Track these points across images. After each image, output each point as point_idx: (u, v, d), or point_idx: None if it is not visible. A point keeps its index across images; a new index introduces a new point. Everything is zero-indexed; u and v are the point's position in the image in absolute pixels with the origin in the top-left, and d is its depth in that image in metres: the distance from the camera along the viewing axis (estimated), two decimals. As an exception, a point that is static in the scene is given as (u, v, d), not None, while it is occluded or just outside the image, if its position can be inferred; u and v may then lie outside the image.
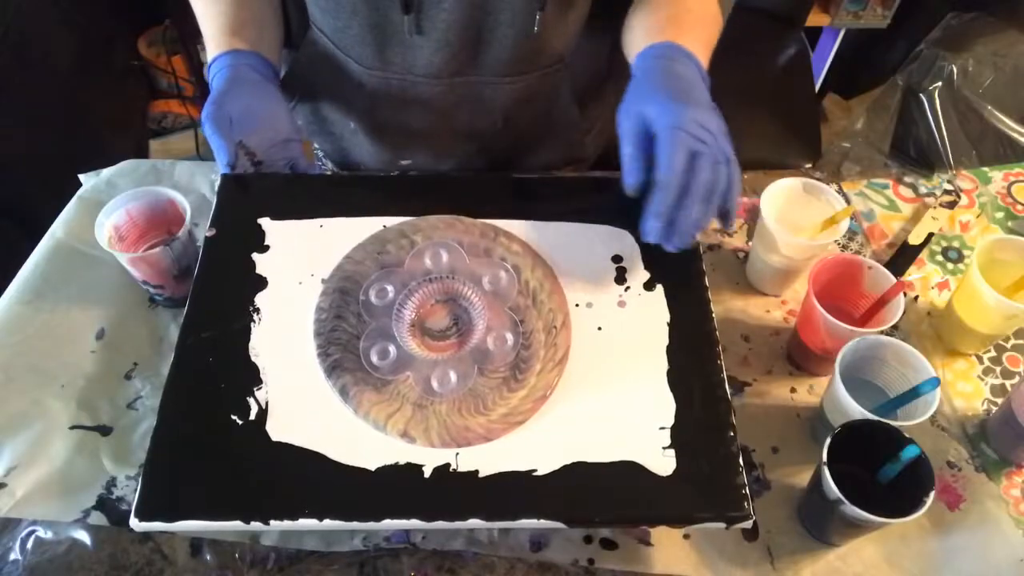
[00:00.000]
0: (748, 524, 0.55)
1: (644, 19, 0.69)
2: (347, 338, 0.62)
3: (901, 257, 0.80)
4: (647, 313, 0.65)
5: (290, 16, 0.82)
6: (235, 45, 0.71)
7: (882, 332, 0.64)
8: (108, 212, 0.70)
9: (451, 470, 0.56)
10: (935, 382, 0.58)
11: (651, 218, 0.58)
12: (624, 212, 0.71)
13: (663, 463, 0.56)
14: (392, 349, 0.62)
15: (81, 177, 0.85)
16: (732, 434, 0.58)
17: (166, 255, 0.69)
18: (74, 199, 0.83)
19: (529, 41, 0.73)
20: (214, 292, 0.65)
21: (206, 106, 0.68)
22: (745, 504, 0.55)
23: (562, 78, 0.81)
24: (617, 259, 0.68)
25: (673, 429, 0.58)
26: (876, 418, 0.57)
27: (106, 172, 0.85)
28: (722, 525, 0.55)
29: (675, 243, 0.59)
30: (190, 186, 0.84)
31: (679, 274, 0.67)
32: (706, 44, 0.68)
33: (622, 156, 0.60)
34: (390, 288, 0.65)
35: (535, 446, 0.57)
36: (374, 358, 0.61)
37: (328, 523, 0.54)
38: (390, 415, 0.58)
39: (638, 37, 0.67)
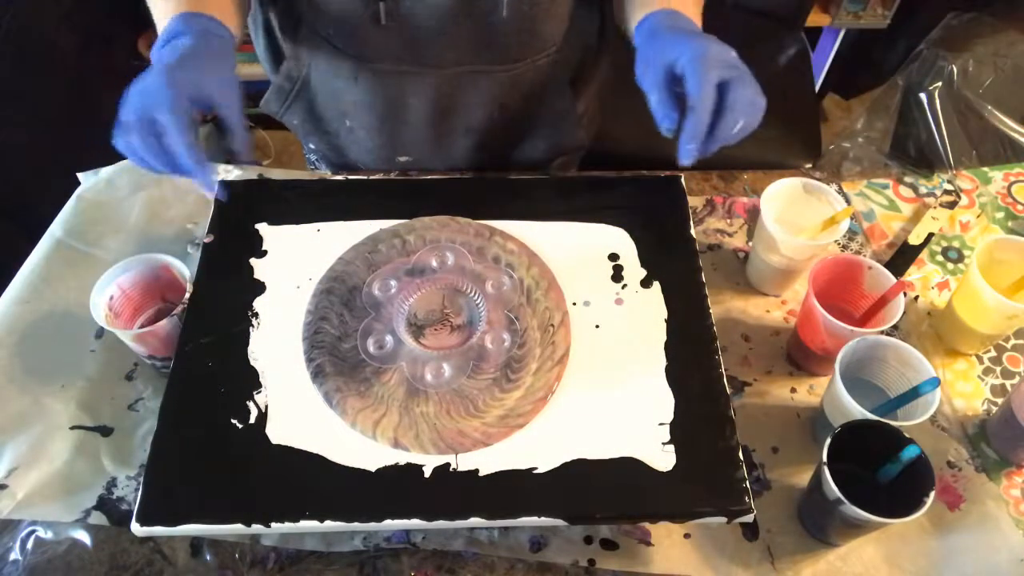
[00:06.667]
0: (749, 518, 0.55)
1: None
2: (330, 340, 0.62)
3: (901, 257, 0.80)
4: (645, 310, 0.65)
5: (274, 29, 0.82)
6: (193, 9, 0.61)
7: (882, 332, 0.63)
8: (100, 289, 0.65)
9: (451, 470, 0.56)
10: (935, 382, 0.58)
11: (687, 142, 0.58)
12: (619, 211, 0.72)
13: (663, 459, 0.57)
14: (389, 339, 0.62)
15: (80, 176, 0.85)
16: (731, 428, 0.58)
17: (173, 325, 0.64)
18: (73, 198, 0.82)
19: (519, 24, 0.73)
20: (213, 297, 0.65)
21: (158, 80, 0.56)
22: (745, 498, 0.55)
23: (555, 65, 0.81)
24: (613, 257, 0.69)
25: (672, 425, 0.58)
26: (876, 418, 0.57)
27: (105, 171, 0.85)
28: (723, 519, 0.55)
29: (709, 150, 0.59)
30: (190, 186, 0.84)
31: (676, 271, 0.67)
32: (698, 8, 0.69)
33: (652, 105, 0.60)
34: (393, 283, 0.65)
35: (535, 444, 0.57)
36: (371, 347, 0.61)
37: (329, 524, 0.54)
38: (377, 422, 0.58)
39: (635, 10, 0.68)
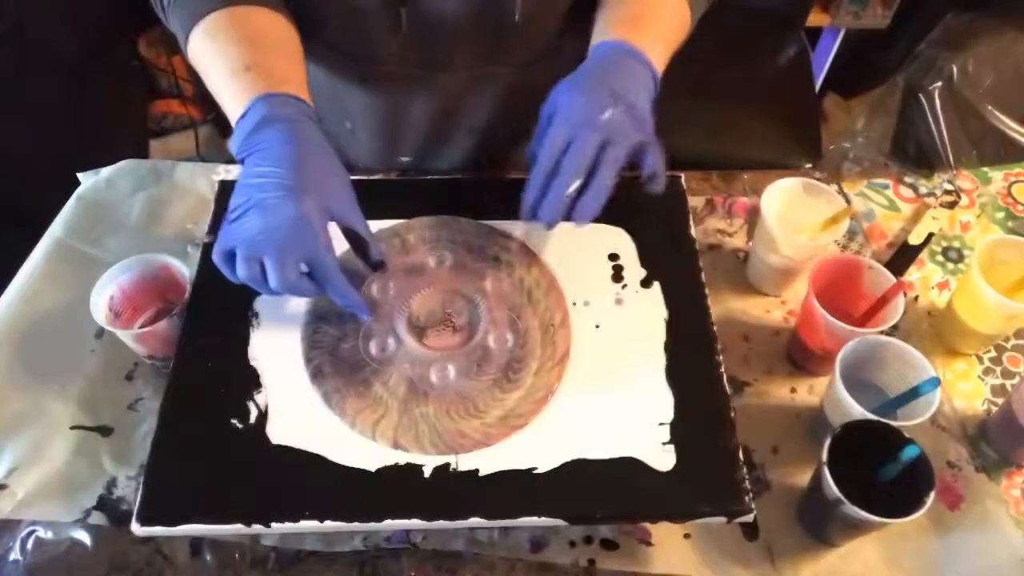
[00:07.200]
0: (749, 518, 0.55)
1: (609, 12, 0.69)
2: (329, 340, 0.62)
3: (901, 257, 0.80)
4: (645, 310, 0.65)
5: None
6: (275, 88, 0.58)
7: (882, 332, 0.63)
8: (100, 289, 0.66)
9: (451, 470, 0.56)
10: (935, 382, 0.58)
11: (526, 191, 0.60)
12: (619, 211, 0.72)
13: (663, 459, 0.57)
14: (391, 340, 0.62)
15: (80, 176, 0.85)
16: (731, 429, 0.58)
17: (173, 325, 0.64)
18: (73, 198, 0.82)
19: (529, 27, 0.73)
20: (213, 297, 0.65)
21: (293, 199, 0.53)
22: (745, 498, 0.55)
23: (560, 67, 0.81)
24: (613, 257, 0.69)
25: (672, 425, 0.58)
26: (876, 418, 0.57)
27: (105, 171, 0.85)
28: (723, 519, 0.55)
29: (543, 218, 0.59)
30: (190, 186, 0.84)
31: (676, 271, 0.67)
32: (666, 41, 0.67)
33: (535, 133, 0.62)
34: (393, 283, 0.65)
35: (535, 444, 0.57)
36: (373, 349, 0.61)
37: (329, 524, 0.54)
38: (376, 422, 0.58)
39: (599, 30, 0.67)
